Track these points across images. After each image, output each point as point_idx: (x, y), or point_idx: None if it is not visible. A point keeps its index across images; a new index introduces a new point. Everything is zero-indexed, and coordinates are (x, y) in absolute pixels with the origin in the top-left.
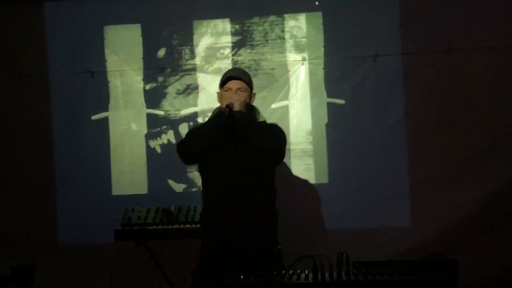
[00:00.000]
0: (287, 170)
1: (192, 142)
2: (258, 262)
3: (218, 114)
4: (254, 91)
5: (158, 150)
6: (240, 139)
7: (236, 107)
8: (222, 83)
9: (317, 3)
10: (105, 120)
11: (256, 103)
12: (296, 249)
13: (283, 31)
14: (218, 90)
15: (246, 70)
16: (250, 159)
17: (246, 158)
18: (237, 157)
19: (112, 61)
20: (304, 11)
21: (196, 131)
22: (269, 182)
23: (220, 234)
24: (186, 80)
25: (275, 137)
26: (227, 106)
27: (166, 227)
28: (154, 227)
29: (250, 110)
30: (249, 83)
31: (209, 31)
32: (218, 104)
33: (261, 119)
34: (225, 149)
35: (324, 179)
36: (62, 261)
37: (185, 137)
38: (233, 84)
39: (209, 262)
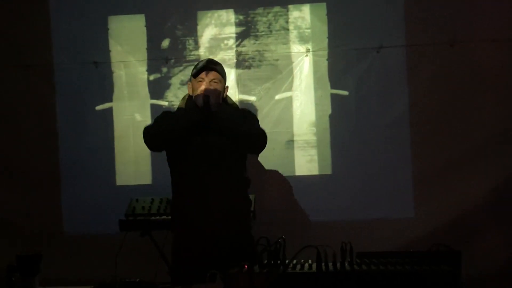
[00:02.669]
0: (290, 162)
1: (161, 131)
2: (231, 252)
3: (192, 107)
4: (227, 84)
5: None
6: (213, 129)
7: (213, 99)
8: (195, 74)
9: None
10: (109, 110)
11: (260, 94)
12: (300, 240)
13: (287, 22)
14: (189, 82)
15: (250, 61)
16: (225, 149)
17: (219, 148)
18: (210, 148)
19: (116, 51)
20: (308, 2)
21: (166, 120)
22: (242, 171)
23: (192, 225)
24: (190, 71)
25: (255, 124)
26: (203, 98)
27: (170, 217)
28: (158, 217)
29: (224, 102)
30: (223, 74)
31: (213, 21)
32: None
33: (229, 104)
34: (196, 140)
35: (328, 170)
36: (67, 251)
37: (153, 124)
38: (207, 75)
39: (181, 256)
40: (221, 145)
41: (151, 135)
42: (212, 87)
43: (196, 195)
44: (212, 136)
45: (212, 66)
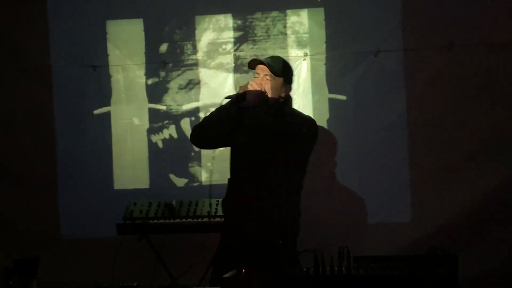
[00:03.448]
0: None
1: (203, 127)
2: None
3: (231, 101)
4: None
5: (160, 144)
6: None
7: (250, 97)
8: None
9: None
10: (107, 114)
11: None
12: (298, 244)
13: (285, 26)
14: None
15: (247, 65)
16: (273, 154)
17: (271, 150)
18: (263, 148)
19: (115, 55)
20: (306, 6)
21: (209, 116)
22: (295, 179)
23: (241, 225)
24: (188, 75)
25: (295, 130)
26: (240, 94)
27: (167, 221)
28: (155, 221)
29: (277, 102)
30: (277, 71)
31: (211, 26)
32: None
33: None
34: (247, 142)
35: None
36: (64, 255)
37: (201, 121)
38: (260, 70)
39: (228, 252)
40: (269, 149)
41: (193, 130)
42: (260, 85)
43: (240, 197)
44: (263, 139)
45: (262, 59)
